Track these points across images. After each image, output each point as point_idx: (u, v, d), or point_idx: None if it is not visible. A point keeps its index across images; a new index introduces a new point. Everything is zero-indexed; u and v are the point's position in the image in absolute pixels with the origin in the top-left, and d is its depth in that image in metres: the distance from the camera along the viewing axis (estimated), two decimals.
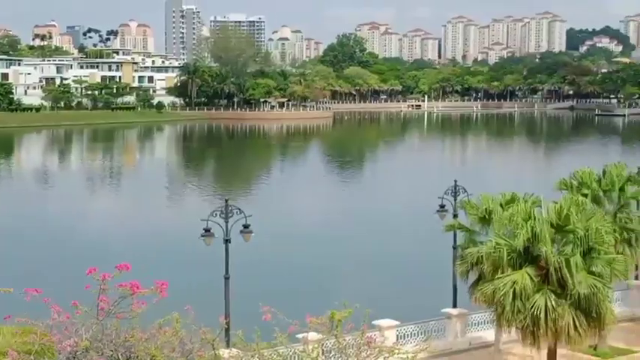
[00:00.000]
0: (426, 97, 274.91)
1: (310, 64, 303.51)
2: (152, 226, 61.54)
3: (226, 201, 26.15)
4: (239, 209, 26.11)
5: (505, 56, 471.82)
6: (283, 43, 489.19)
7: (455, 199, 30.33)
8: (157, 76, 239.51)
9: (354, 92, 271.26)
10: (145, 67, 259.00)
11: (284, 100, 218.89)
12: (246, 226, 25.90)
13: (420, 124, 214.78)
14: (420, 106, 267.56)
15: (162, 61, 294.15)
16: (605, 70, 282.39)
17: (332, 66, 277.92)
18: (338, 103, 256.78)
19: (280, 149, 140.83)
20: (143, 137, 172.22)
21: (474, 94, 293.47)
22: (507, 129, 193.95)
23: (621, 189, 29.76)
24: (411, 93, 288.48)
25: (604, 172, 30.28)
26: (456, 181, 30.73)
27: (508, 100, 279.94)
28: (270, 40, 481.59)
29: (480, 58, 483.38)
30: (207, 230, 25.43)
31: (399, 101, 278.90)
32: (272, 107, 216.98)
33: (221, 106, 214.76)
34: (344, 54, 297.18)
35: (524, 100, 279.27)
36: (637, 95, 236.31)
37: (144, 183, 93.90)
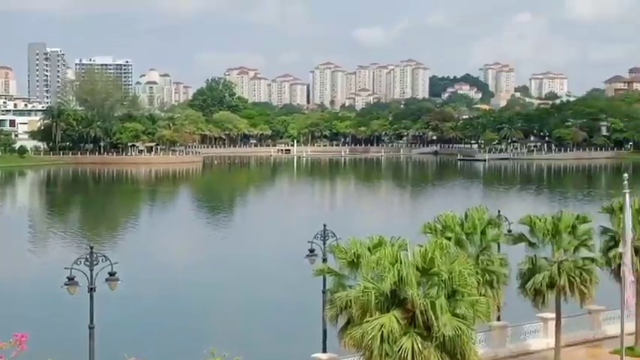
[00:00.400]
0: (295, 141, 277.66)
1: (179, 108, 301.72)
2: (12, 276, 58.99)
3: (91, 248, 25.48)
4: (104, 256, 25.48)
5: (371, 102, 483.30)
6: (151, 87, 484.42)
7: (324, 244, 30.61)
8: (19, 119, 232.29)
9: (223, 136, 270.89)
10: (6, 111, 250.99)
11: (152, 144, 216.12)
12: (112, 274, 25.27)
13: (289, 168, 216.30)
14: (289, 150, 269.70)
15: (25, 105, 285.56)
16: (467, 117, 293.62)
17: (201, 110, 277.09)
18: (207, 147, 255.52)
19: (148, 194, 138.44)
20: (4, 183, 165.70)
21: (342, 139, 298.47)
22: (375, 173, 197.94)
23: (483, 232, 30.80)
24: (281, 137, 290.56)
25: (466, 216, 31.26)
26: (325, 226, 31.04)
27: (375, 144, 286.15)
28: (138, 83, 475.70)
29: (347, 104, 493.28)
30: (70, 279, 24.65)
31: (268, 145, 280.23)
32: (140, 151, 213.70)
33: (87, 151, 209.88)
34: (213, 98, 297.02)
35: (390, 145, 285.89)
36: (496, 141, 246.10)
37: (3, 231, 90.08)
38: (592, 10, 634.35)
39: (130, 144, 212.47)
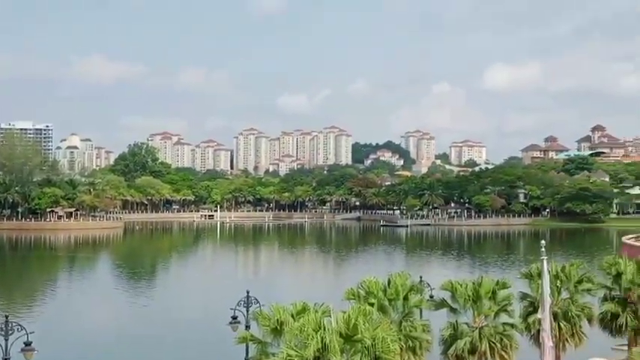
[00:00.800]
0: (218, 207, 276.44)
1: (100, 173, 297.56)
2: None
3: (6, 317, 24.76)
4: (20, 325, 24.78)
5: (295, 168, 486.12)
6: (72, 152, 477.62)
7: (247, 311, 30.38)
8: None
9: (145, 202, 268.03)
10: None
11: (72, 209, 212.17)
12: (27, 344, 24.56)
13: (213, 234, 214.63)
14: (212, 216, 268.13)
15: None
16: (389, 183, 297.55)
17: (123, 175, 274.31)
18: (129, 212, 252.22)
19: (67, 261, 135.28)
20: None
21: (266, 205, 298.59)
22: (298, 239, 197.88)
23: (405, 298, 31.03)
24: (204, 203, 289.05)
25: (389, 282, 31.48)
26: (248, 292, 30.85)
27: (299, 210, 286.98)
28: (59, 148, 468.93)
29: (271, 170, 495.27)
30: None
31: (191, 211, 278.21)
32: (59, 217, 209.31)
33: (4, 217, 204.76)
34: (135, 163, 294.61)
35: (314, 211, 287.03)
36: (418, 207, 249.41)
37: None
38: (508, 80, 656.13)
39: (49, 210, 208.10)
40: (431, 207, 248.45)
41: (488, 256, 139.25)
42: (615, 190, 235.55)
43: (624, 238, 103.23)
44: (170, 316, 70.94)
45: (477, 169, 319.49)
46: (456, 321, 32.54)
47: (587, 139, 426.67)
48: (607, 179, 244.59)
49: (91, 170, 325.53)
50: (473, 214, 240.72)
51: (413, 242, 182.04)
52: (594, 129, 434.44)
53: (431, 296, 35.18)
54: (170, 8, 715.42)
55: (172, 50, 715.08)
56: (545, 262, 29.55)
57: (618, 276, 38.81)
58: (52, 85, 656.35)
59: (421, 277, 35.89)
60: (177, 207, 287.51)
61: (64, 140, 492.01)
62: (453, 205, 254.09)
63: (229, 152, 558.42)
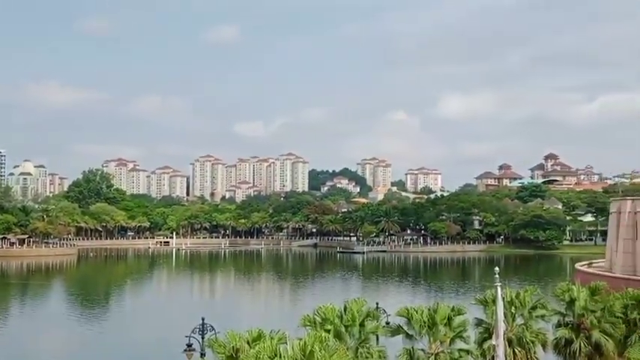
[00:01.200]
0: (174, 233, 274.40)
1: (54, 199, 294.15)
2: None
3: None
4: None
5: (252, 194, 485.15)
6: (25, 178, 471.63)
7: (202, 338, 30.18)
8: None
9: (100, 228, 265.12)
10: None
11: (25, 236, 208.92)
12: None
13: (168, 260, 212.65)
14: (168, 242, 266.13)
15: None
16: (345, 210, 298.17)
17: (77, 202, 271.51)
18: (83, 239, 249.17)
19: (20, 288, 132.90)
20: None
21: (222, 231, 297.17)
22: (255, 265, 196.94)
23: (361, 324, 31.07)
24: (160, 229, 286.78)
25: (345, 308, 31.52)
26: (203, 319, 30.65)
27: (255, 237, 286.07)
28: (12, 174, 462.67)
29: (227, 196, 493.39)
30: None
31: (147, 238, 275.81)
32: (12, 244, 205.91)
33: None
34: (90, 190, 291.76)
35: (270, 238, 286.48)
36: (374, 233, 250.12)
37: None
38: (462, 109, 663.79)
39: (1, 236, 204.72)
40: (387, 234, 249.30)
41: (443, 282, 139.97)
42: (568, 218, 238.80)
43: (577, 265, 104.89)
44: (124, 344, 69.99)
45: (432, 196, 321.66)
46: (412, 347, 32.59)
47: (541, 167, 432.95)
48: (560, 207, 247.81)
49: (44, 197, 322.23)
50: (429, 240, 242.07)
51: (369, 269, 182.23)
52: (547, 157, 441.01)
53: (387, 323, 35.26)
54: (125, 35, 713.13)
55: (127, 77, 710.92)
56: (499, 289, 29.80)
57: (572, 302, 39.26)
58: (6, 110, 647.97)
59: (377, 304, 35.98)
60: (133, 234, 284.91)
61: (18, 166, 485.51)
62: (409, 231, 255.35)
63: (185, 179, 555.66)
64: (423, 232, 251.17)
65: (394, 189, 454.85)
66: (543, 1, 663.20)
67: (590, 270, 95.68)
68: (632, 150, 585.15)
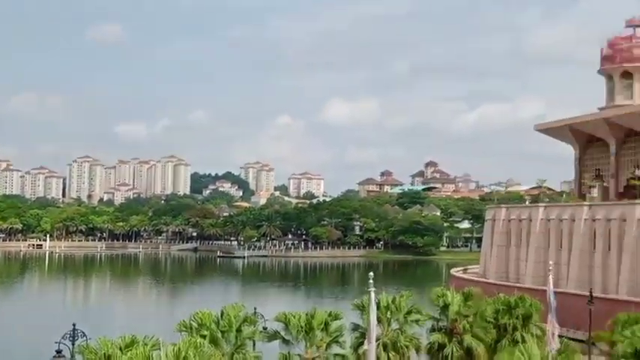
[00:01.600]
0: (48, 236, 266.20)
1: None
2: None
3: None
4: None
5: (131, 197, 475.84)
6: None
7: (73, 344, 29.20)
8: None
9: None
10: None
11: None
12: None
13: (41, 264, 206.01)
14: (41, 245, 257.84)
15: None
16: (227, 214, 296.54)
17: None
18: None
19: None
20: None
21: (99, 234, 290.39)
22: (132, 270, 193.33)
23: (238, 330, 30.80)
24: (33, 232, 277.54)
25: (222, 314, 31.17)
26: (74, 325, 29.68)
27: (134, 240, 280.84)
28: None
29: (105, 198, 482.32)
30: None
31: (19, 240, 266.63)
32: None
33: None
34: None
35: (149, 241, 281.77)
36: (256, 238, 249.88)
37: None
38: (347, 115, 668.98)
39: None
40: (269, 238, 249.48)
41: (323, 287, 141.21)
42: (445, 224, 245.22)
43: (452, 271, 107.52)
44: None
45: (314, 201, 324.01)
46: (289, 352, 32.52)
47: (421, 174, 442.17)
48: (438, 213, 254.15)
49: None
50: (310, 245, 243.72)
51: (249, 273, 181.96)
52: (427, 165, 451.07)
53: (264, 328, 35.04)
54: (2, 27, 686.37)
55: (3, 74, 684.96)
56: (372, 294, 29.95)
57: (446, 307, 40.06)
58: None
59: (255, 309, 35.76)
60: (3, 236, 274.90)
61: None
62: (290, 236, 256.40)
63: (62, 180, 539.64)
64: (304, 237, 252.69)
65: (277, 193, 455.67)
66: (431, 13, 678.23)
67: (465, 276, 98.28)
68: (508, 159, 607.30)
